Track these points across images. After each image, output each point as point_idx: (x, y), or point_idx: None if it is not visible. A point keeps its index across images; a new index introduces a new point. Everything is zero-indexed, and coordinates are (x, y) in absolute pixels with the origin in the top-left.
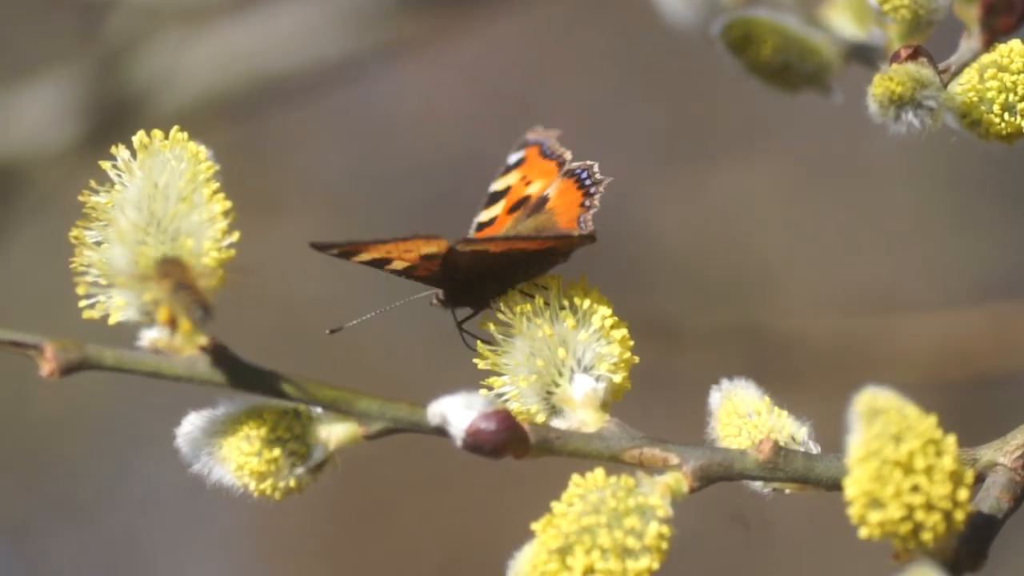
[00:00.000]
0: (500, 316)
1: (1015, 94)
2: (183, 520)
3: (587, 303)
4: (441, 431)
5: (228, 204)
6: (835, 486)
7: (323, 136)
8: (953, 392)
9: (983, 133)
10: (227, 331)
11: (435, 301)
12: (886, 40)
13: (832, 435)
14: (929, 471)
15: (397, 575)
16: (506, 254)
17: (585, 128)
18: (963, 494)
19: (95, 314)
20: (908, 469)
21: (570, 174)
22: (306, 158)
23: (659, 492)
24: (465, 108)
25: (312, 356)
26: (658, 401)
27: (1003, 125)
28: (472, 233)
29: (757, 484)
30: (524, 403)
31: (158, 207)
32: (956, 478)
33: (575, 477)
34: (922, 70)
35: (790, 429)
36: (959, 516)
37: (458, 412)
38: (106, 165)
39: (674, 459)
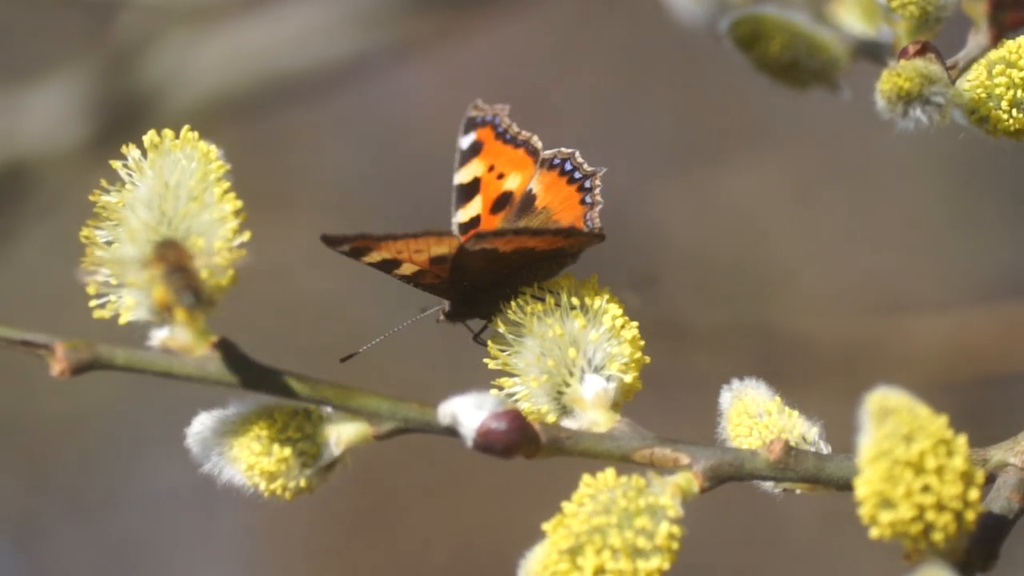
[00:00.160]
0: (511, 316)
1: (1023, 90)
2: (191, 520)
3: (598, 303)
4: (452, 431)
5: (239, 203)
6: (846, 486)
7: (332, 136)
8: (962, 392)
9: (991, 129)
10: (236, 330)
11: (441, 316)
12: (894, 37)
13: (842, 435)
14: (940, 471)
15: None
16: (516, 254)
17: (596, 127)
18: (974, 494)
19: (106, 314)
20: (919, 469)
21: (551, 165)
22: (315, 158)
23: (670, 492)
24: None
25: (321, 356)
26: (668, 401)
27: (1011, 121)
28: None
29: (768, 484)
30: (535, 403)
31: (169, 206)
32: (967, 478)
33: (586, 477)
34: (930, 66)
35: (801, 429)
36: (970, 516)
37: (469, 412)
38: (117, 164)
39: (685, 459)
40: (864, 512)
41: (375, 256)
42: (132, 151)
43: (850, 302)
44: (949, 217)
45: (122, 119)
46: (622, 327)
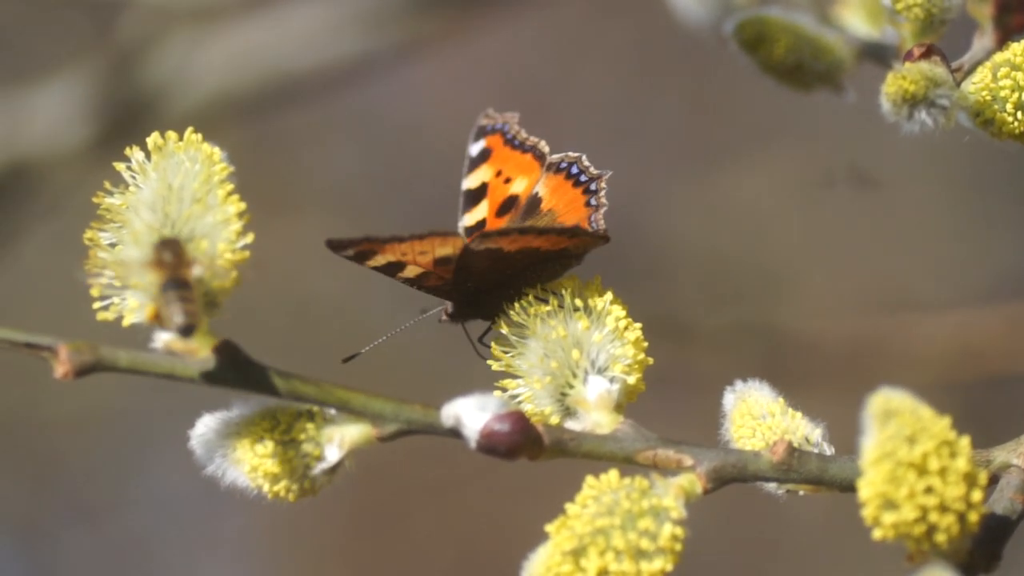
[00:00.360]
0: (514, 317)
1: None
2: (195, 522)
3: (601, 304)
4: (455, 433)
5: (242, 206)
6: (849, 487)
7: (336, 136)
8: (966, 393)
9: (996, 132)
10: (239, 332)
11: (444, 317)
12: (899, 39)
13: (846, 436)
14: (943, 473)
15: None
16: (520, 254)
17: (600, 128)
18: (977, 495)
19: (109, 316)
20: (922, 471)
21: (557, 169)
22: (319, 158)
23: (673, 494)
24: (480, 108)
25: (324, 357)
26: (672, 402)
27: (1016, 123)
28: None
29: (771, 485)
30: (538, 404)
31: (172, 209)
32: (970, 480)
33: (589, 479)
34: (935, 69)
35: (804, 430)
36: (973, 517)
37: (472, 414)
38: (120, 167)
39: (688, 460)
40: (867, 513)
41: (379, 259)
42: (136, 153)
43: (854, 303)
44: (953, 218)
45: (125, 120)
46: (625, 328)
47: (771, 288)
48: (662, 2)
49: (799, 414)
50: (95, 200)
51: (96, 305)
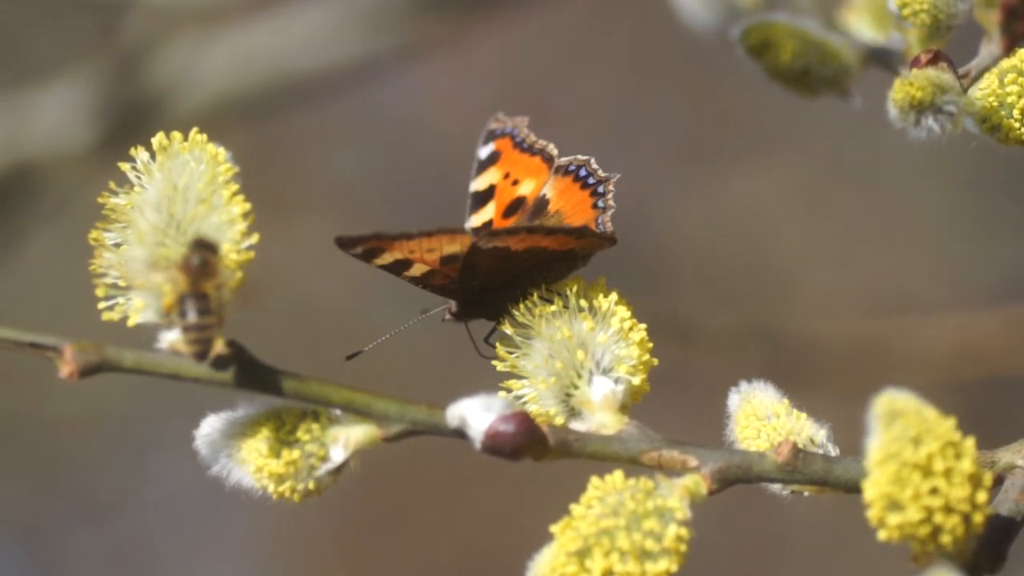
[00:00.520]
0: (519, 318)
1: None
2: (199, 523)
3: (606, 305)
4: (460, 433)
5: (247, 206)
6: (854, 488)
7: (340, 138)
8: (970, 394)
9: (1003, 137)
10: (243, 332)
11: (448, 316)
12: (905, 44)
13: (849, 438)
14: (948, 474)
15: None
16: (527, 253)
17: (602, 129)
18: (982, 496)
19: (114, 316)
20: (927, 472)
21: (565, 172)
22: (323, 159)
23: (678, 494)
24: (482, 110)
25: (328, 357)
26: (676, 403)
27: (1023, 130)
28: None
29: (776, 486)
30: (543, 405)
31: (177, 209)
32: (975, 481)
33: (594, 479)
34: (942, 75)
35: (809, 431)
36: (978, 518)
37: (477, 414)
38: (125, 167)
39: (693, 461)
40: (872, 514)
41: (387, 257)
42: (141, 153)
43: (858, 304)
44: (956, 220)
45: (129, 121)
46: (630, 329)
47: (775, 289)
48: (665, 5)
49: (804, 415)
50: (100, 200)
51: (101, 305)
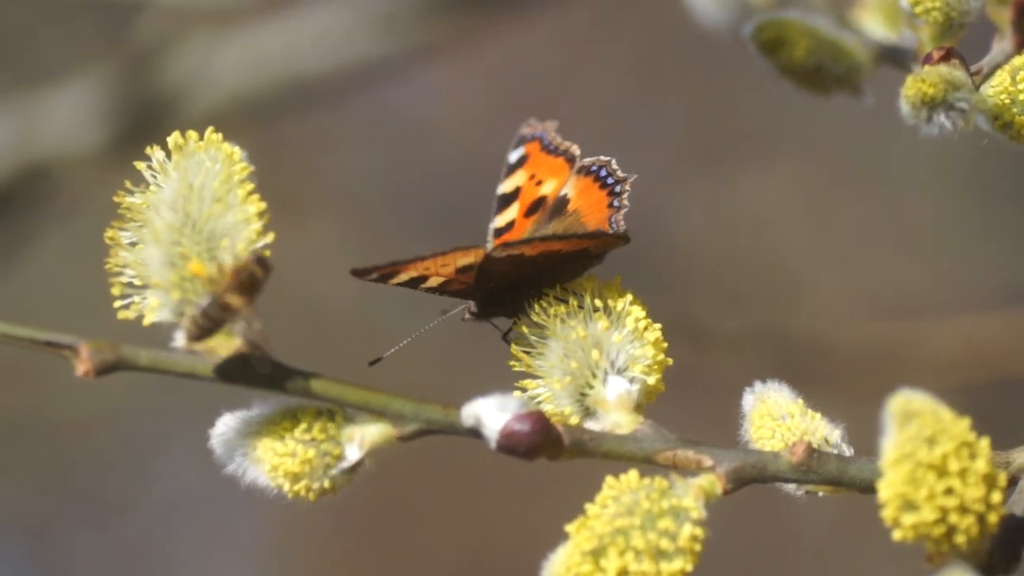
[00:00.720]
0: (534, 318)
1: None
2: (206, 523)
3: (621, 305)
4: (475, 433)
5: (263, 205)
6: (868, 488)
7: (349, 139)
8: (979, 396)
9: (1015, 135)
10: None
11: (467, 316)
12: (917, 42)
13: (861, 438)
14: (963, 474)
15: None
16: (541, 256)
17: (610, 132)
18: (996, 497)
19: (130, 315)
20: (942, 472)
21: (586, 172)
22: (332, 161)
23: (693, 494)
24: (490, 112)
25: (342, 356)
26: (690, 403)
27: None
28: (489, 240)
29: (790, 486)
30: (558, 405)
31: (193, 208)
32: (989, 481)
33: (609, 479)
34: (954, 72)
35: (823, 431)
36: (992, 519)
37: (492, 414)
38: (141, 166)
39: (708, 461)
40: (887, 514)
41: (402, 277)
42: (156, 152)
43: (867, 306)
44: (965, 221)
45: (142, 122)
46: (645, 329)
47: (784, 290)
48: (673, 7)
49: (818, 415)
50: (116, 199)
51: (117, 303)
